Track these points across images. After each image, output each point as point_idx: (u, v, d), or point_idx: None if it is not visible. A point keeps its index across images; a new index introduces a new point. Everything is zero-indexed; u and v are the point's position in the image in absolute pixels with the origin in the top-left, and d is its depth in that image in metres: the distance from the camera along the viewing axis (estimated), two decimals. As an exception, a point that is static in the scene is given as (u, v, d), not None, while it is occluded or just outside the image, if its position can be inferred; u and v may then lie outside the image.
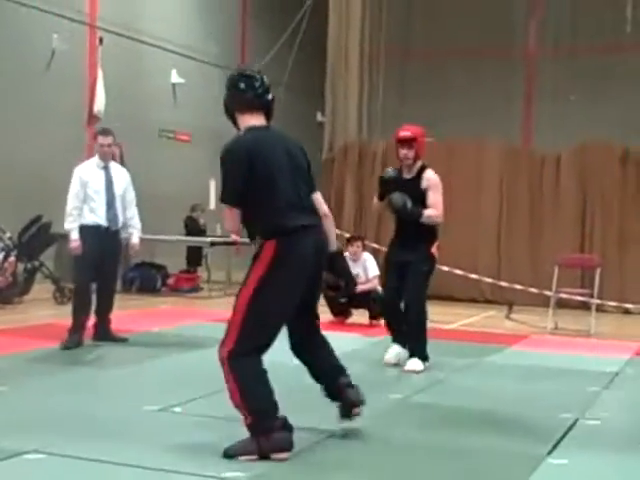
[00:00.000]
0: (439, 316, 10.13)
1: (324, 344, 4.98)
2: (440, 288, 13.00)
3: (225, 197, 4.56)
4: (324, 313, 10.53)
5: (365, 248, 11.01)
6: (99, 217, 7.92)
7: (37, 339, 8.08)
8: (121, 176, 8.19)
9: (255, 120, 4.72)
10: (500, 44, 18.82)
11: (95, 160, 8.12)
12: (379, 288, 10.46)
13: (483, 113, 18.08)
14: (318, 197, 4.94)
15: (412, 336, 7.27)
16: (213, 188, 18.51)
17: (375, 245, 13.30)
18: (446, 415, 5.71)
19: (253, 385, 4.52)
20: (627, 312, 12.66)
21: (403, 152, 7.24)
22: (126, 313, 10.06)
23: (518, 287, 12.53)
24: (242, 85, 4.72)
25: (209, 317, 10.21)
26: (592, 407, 6.08)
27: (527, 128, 19.00)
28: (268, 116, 4.84)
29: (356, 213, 14.44)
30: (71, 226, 7.92)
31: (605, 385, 6.96)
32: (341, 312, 10.47)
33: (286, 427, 4.49)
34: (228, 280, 14.02)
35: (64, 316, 8.17)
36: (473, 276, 13.02)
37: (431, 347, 7.45)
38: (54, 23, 14.03)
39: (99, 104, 14.56)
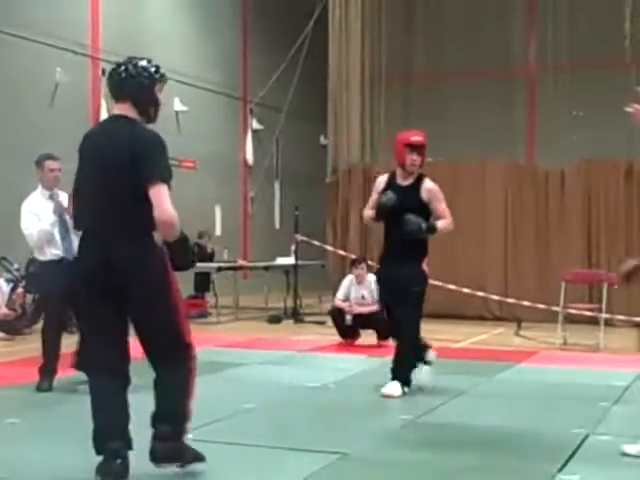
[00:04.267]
0: (448, 335, 10.15)
1: (158, 382, 4.49)
2: (448, 306, 13.07)
3: (168, 175, 4.36)
4: (332, 335, 10.58)
5: (370, 270, 11.03)
6: (59, 249, 7.37)
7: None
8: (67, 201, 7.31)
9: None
10: (500, 63, 18.92)
11: (39, 191, 7.65)
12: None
13: (485, 132, 18.16)
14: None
15: (398, 359, 7.02)
16: (219, 214, 18.60)
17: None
18: (457, 434, 5.71)
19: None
20: (636, 326, 12.63)
21: (413, 158, 6.96)
22: (134, 339, 10.05)
23: (526, 304, 12.53)
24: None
25: (218, 342, 10.23)
26: (603, 422, 6.07)
27: (530, 145, 19.06)
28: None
29: (361, 235, 14.46)
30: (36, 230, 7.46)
31: (615, 400, 6.95)
32: (349, 334, 10.48)
33: None
34: (236, 305, 14.04)
35: (73, 345, 8.17)
36: (481, 294, 13.03)
37: (441, 366, 7.45)
38: (57, 56, 14.14)
39: (103, 134, 14.65)
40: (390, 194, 6.98)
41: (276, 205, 20.52)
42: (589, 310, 11.49)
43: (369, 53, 15.33)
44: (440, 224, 6.97)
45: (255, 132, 19.78)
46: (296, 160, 20.23)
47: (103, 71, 14.99)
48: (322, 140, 18.43)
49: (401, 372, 7.00)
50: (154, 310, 4.34)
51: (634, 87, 5.33)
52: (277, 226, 20.22)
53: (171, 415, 4.43)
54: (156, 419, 4.43)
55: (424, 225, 6.84)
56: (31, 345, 10.21)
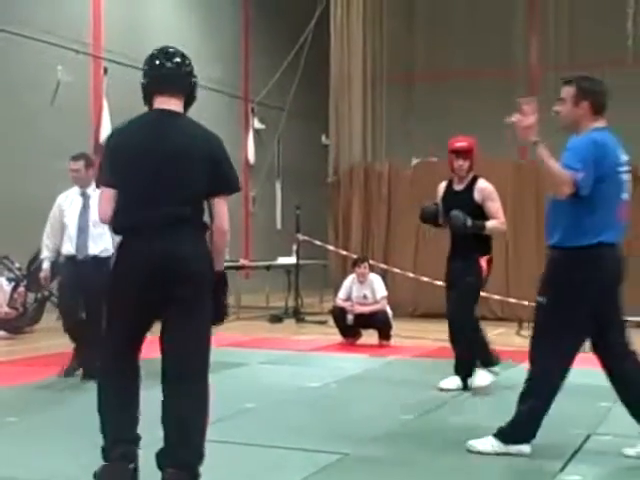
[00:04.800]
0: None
1: (178, 401, 4.09)
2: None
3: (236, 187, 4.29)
4: (334, 334, 10.57)
5: (373, 269, 11.04)
6: (72, 246, 7.54)
7: (48, 367, 8.10)
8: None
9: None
10: (502, 63, 18.90)
11: (75, 187, 7.81)
12: (388, 308, 10.51)
13: (487, 132, 18.07)
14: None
15: (459, 354, 7.17)
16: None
17: (383, 266, 13.33)
18: (458, 433, 5.70)
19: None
20: (639, 326, 12.61)
21: (459, 163, 7.09)
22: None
23: (527, 303, 12.50)
24: None
25: (220, 341, 10.21)
26: (604, 422, 6.07)
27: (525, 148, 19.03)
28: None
29: (363, 235, 14.47)
30: (42, 257, 7.80)
31: (616, 399, 6.90)
32: (350, 333, 10.47)
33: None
34: (237, 304, 14.04)
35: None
36: (482, 294, 12.97)
37: (443, 366, 7.45)
38: (58, 55, 14.14)
39: (105, 134, 14.66)
40: (431, 205, 7.35)
41: (277, 204, 20.52)
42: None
43: (371, 53, 15.32)
44: (489, 223, 7.06)
45: (257, 131, 19.78)
46: (298, 159, 20.23)
47: (105, 70, 15.02)
48: (324, 140, 18.42)
49: (469, 364, 7.14)
50: (198, 319, 4.07)
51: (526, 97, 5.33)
52: (279, 226, 20.21)
53: (191, 441, 4.09)
54: (173, 449, 4.07)
55: (469, 222, 6.91)
56: (32, 345, 10.24)
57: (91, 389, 7.15)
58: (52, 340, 10.61)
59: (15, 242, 12.00)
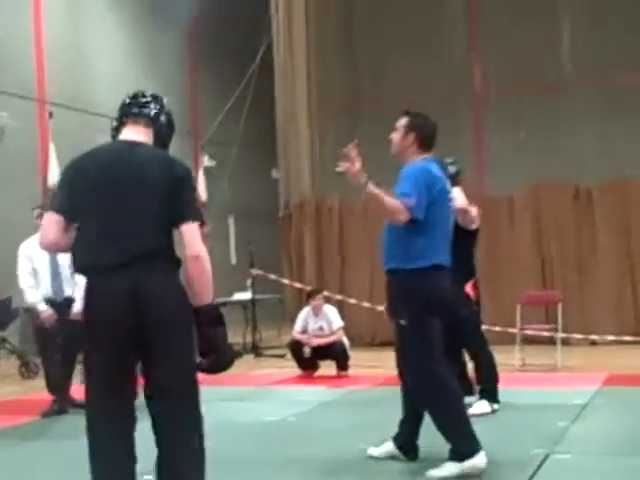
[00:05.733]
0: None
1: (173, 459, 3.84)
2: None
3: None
4: (292, 367, 10.54)
5: (329, 301, 11.06)
6: (46, 290, 7.88)
7: (4, 415, 7.97)
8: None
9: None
10: (446, 88, 19.09)
11: (36, 235, 7.96)
12: (344, 339, 10.52)
13: (436, 154, 18.31)
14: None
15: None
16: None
17: (339, 296, 13.35)
18: (418, 457, 5.70)
19: None
20: (593, 343, 12.77)
21: None
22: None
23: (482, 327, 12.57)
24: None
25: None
26: (562, 441, 6.12)
27: (479, 171, 19.23)
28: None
29: (317, 267, 14.46)
30: (35, 299, 7.88)
31: (574, 418, 7.01)
32: (308, 366, 10.45)
33: None
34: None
35: (30, 391, 8.08)
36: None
37: (392, 392, 7.44)
38: (2, 101, 14.06)
39: (53, 177, 14.56)
40: None
41: (231, 240, 20.48)
42: (546, 330, 11.59)
43: (315, 87, 15.38)
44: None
45: (206, 169, 19.77)
46: (249, 194, 20.23)
47: (50, 114, 14.95)
48: (274, 174, 18.47)
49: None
50: (179, 357, 3.81)
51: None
52: (233, 261, 20.16)
53: None
54: None
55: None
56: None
57: (57, 432, 7.08)
58: (7, 387, 10.44)
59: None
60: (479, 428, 6.71)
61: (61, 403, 7.86)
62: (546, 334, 11.55)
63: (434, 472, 5.25)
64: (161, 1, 17.78)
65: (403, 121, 5.65)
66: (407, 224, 5.19)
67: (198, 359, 3.88)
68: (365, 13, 19.46)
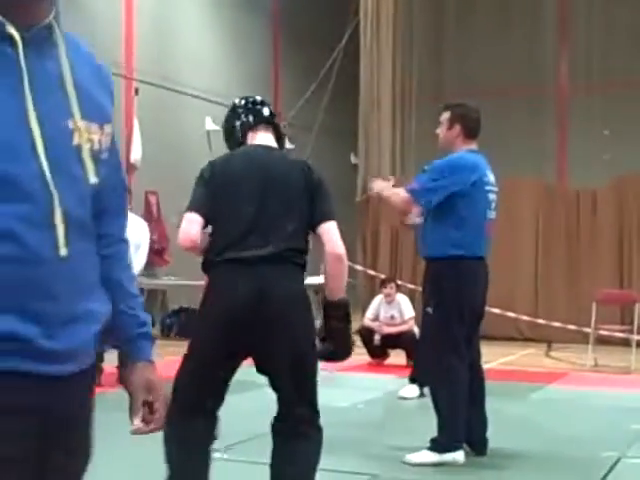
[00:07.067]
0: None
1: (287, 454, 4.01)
2: (478, 327, 13.00)
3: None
4: (362, 354, 10.55)
5: (400, 289, 11.04)
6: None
7: None
8: (134, 227, 7.59)
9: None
10: (531, 82, 18.88)
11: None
12: (416, 329, 10.49)
13: (516, 152, 18.11)
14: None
15: None
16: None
17: (411, 286, 13.31)
18: (486, 456, 5.68)
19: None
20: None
21: None
22: (164, 360, 10.10)
23: (556, 324, 12.45)
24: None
25: (248, 361, 10.23)
26: (634, 445, 6.03)
27: (561, 165, 18.98)
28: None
29: (391, 254, 14.45)
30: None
31: (647, 422, 6.89)
32: (378, 354, 10.46)
33: None
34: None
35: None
36: (510, 314, 12.95)
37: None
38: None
39: (136, 153, 14.79)
40: None
41: (306, 224, 20.55)
42: (620, 331, 11.40)
43: (400, 73, 15.37)
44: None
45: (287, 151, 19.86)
46: (327, 179, 20.22)
47: (136, 90, 15.16)
48: (353, 159, 18.46)
49: None
50: (304, 356, 3.89)
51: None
52: (310, 245, 20.23)
53: None
54: None
55: None
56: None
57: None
58: None
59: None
60: (550, 426, 6.69)
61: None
62: (621, 335, 11.36)
63: (411, 457, 5.37)
64: (249, -18, 17.88)
65: (446, 114, 5.62)
66: (440, 213, 5.32)
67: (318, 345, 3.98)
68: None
